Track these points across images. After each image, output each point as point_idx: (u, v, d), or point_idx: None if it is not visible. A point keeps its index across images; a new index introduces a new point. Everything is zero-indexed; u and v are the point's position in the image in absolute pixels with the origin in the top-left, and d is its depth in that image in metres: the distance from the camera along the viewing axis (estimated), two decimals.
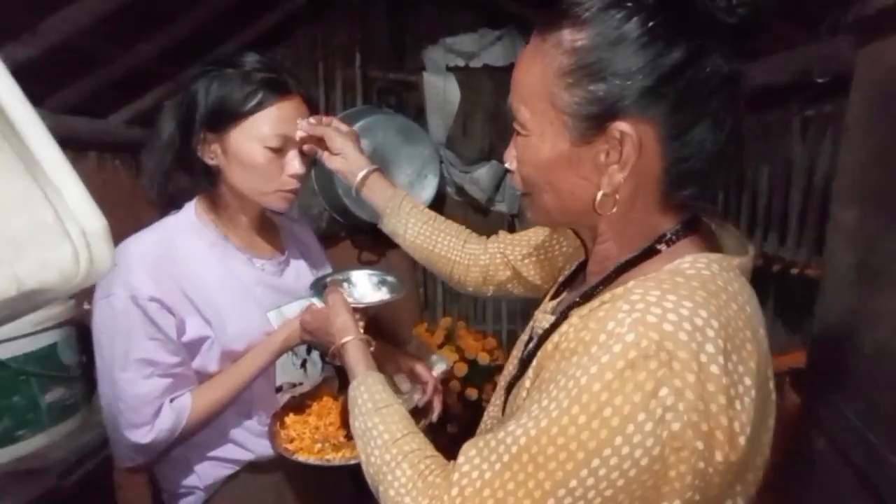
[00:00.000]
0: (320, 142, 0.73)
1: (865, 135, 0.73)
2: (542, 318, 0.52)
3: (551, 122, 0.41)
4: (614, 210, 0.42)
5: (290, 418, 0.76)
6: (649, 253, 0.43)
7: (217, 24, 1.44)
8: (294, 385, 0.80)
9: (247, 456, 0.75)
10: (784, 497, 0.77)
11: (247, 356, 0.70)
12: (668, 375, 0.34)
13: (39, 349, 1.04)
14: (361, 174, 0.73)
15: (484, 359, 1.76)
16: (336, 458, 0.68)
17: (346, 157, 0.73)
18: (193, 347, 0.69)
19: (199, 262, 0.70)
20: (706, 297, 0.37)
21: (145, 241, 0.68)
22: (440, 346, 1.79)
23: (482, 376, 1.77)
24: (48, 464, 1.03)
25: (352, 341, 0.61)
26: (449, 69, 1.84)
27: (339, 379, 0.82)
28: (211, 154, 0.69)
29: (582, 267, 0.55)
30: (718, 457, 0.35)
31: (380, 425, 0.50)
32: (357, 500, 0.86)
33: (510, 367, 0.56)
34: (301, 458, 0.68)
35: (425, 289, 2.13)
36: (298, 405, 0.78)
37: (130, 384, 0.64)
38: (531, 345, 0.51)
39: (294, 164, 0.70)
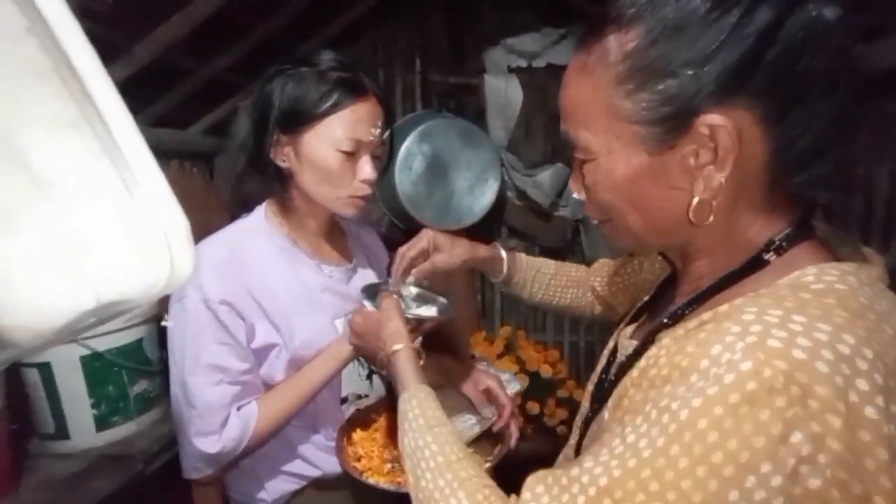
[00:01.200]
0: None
1: None
2: (626, 343, 0.45)
3: (618, 137, 0.36)
4: (711, 219, 0.35)
5: (358, 434, 0.74)
6: (755, 265, 0.36)
7: (284, 34, 1.50)
8: (360, 397, 0.79)
9: (314, 472, 0.73)
10: None
11: (313, 363, 0.69)
12: (803, 417, 0.27)
13: (127, 343, 1.13)
14: (506, 270, 0.73)
15: (546, 371, 1.68)
16: (408, 484, 0.66)
17: (466, 259, 0.71)
18: (262, 354, 0.68)
19: (268, 266, 0.69)
20: (849, 319, 0.29)
21: (216, 244, 0.68)
22: (499, 357, 1.73)
23: (544, 390, 1.68)
24: (134, 451, 1.10)
25: (403, 349, 0.57)
26: (511, 70, 1.79)
27: (388, 394, 0.79)
28: (283, 156, 0.68)
29: (667, 286, 0.48)
30: None
31: (433, 445, 0.45)
32: None
33: (585, 404, 0.50)
34: (372, 480, 0.66)
35: (483, 296, 2.08)
36: (364, 419, 0.77)
37: (200, 389, 0.64)
38: (611, 374, 0.45)
39: (366, 169, 0.67)
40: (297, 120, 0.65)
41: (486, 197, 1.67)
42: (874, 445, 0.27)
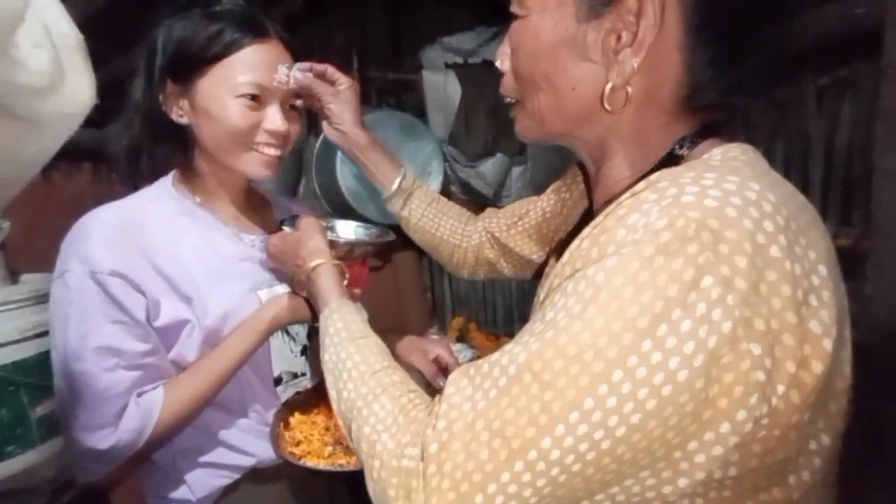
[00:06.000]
0: (313, 100, 0.66)
1: None
2: (553, 269, 0.45)
3: None
4: (623, 110, 0.35)
5: (296, 418, 0.68)
6: (669, 161, 0.36)
7: None
8: (296, 375, 0.73)
9: (245, 461, 0.66)
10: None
11: (229, 338, 0.60)
12: (713, 261, 0.27)
13: (28, 358, 0.98)
14: (362, 156, 0.67)
15: None
16: (350, 464, 0.60)
17: (345, 132, 0.67)
18: (171, 334, 0.60)
19: (174, 233, 0.61)
20: (753, 174, 0.31)
21: (109, 209, 0.60)
22: None
23: None
24: (37, 483, 0.95)
25: (324, 265, 0.54)
26: (448, 66, 1.82)
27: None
28: (179, 110, 0.60)
29: (586, 219, 0.48)
30: (790, 367, 0.27)
31: (356, 356, 0.43)
32: None
33: None
34: (310, 463, 0.60)
35: (433, 294, 2.06)
36: (304, 403, 0.71)
37: (89, 377, 0.54)
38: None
39: (275, 119, 0.59)
40: (188, 66, 0.58)
41: (430, 189, 1.66)
42: (780, 283, 0.27)
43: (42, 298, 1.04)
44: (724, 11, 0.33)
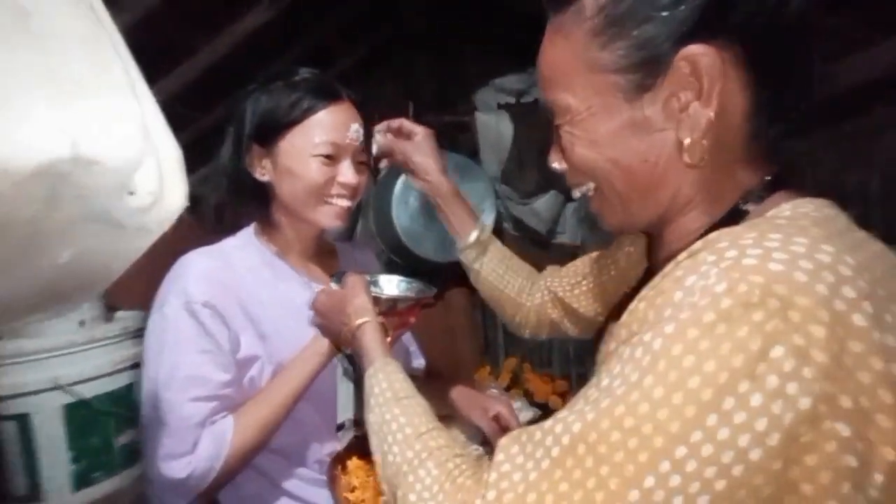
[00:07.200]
0: (395, 158, 0.71)
1: None
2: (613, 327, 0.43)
3: (597, 92, 0.35)
4: (704, 162, 0.33)
5: (353, 462, 0.68)
6: (734, 217, 0.34)
7: None
8: (357, 423, 0.73)
9: None
10: None
11: (292, 363, 0.63)
12: (783, 330, 0.24)
13: (118, 389, 1.08)
14: (443, 204, 0.70)
15: (556, 403, 1.59)
16: None
17: (430, 181, 0.70)
18: (243, 367, 0.64)
19: (256, 278, 0.67)
20: (826, 235, 0.28)
21: (203, 252, 0.67)
22: (506, 391, 1.66)
23: None
24: None
25: (369, 323, 0.55)
26: (500, 107, 1.87)
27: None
28: (262, 170, 0.67)
29: (647, 277, 0.45)
30: (888, 454, 0.24)
31: (400, 417, 0.42)
32: None
33: None
34: None
35: (485, 331, 2.02)
36: (363, 446, 0.71)
37: (174, 405, 0.58)
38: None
39: (347, 173, 0.65)
40: (272, 130, 0.64)
41: None
42: (868, 356, 0.24)
43: (133, 334, 1.15)
44: (776, 45, 0.33)
